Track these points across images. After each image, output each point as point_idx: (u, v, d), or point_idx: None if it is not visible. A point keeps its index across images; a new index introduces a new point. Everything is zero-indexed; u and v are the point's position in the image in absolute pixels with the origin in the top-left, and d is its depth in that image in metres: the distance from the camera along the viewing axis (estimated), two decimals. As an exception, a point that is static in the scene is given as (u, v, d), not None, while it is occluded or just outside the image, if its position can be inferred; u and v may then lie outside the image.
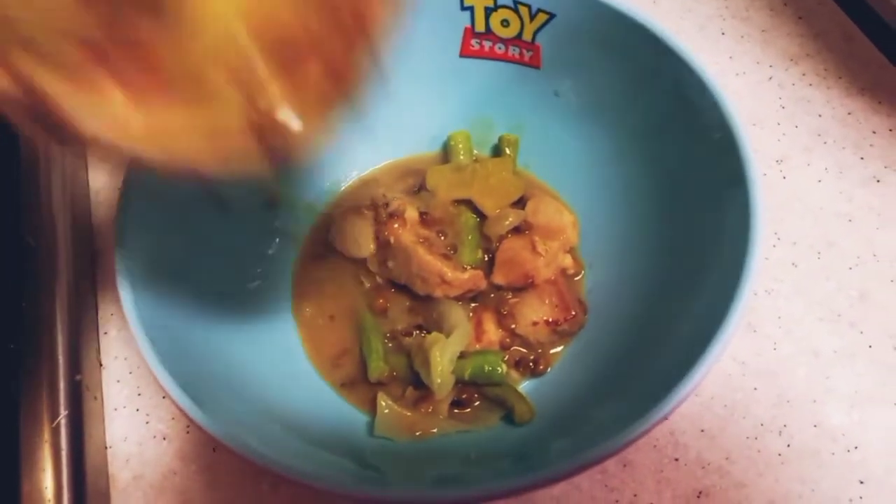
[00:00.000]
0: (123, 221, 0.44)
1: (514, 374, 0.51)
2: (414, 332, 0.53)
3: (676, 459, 0.52)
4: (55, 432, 0.51)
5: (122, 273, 0.43)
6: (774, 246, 0.60)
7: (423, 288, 0.52)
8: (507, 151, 0.59)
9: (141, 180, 0.45)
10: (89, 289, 0.61)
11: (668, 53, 0.48)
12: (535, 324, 0.51)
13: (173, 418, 0.55)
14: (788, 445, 0.52)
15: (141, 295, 0.43)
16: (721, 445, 0.52)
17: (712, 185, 0.46)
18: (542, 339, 0.51)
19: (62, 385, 0.53)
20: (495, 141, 0.61)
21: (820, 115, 0.67)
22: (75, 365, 0.55)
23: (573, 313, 0.51)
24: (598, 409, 0.45)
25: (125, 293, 0.42)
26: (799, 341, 0.56)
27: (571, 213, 0.56)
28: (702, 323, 0.41)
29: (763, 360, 0.56)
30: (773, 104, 0.68)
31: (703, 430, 0.53)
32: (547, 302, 0.51)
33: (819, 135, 0.66)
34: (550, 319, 0.51)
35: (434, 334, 0.49)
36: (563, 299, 0.51)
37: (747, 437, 0.53)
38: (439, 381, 0.47)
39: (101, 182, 0.68)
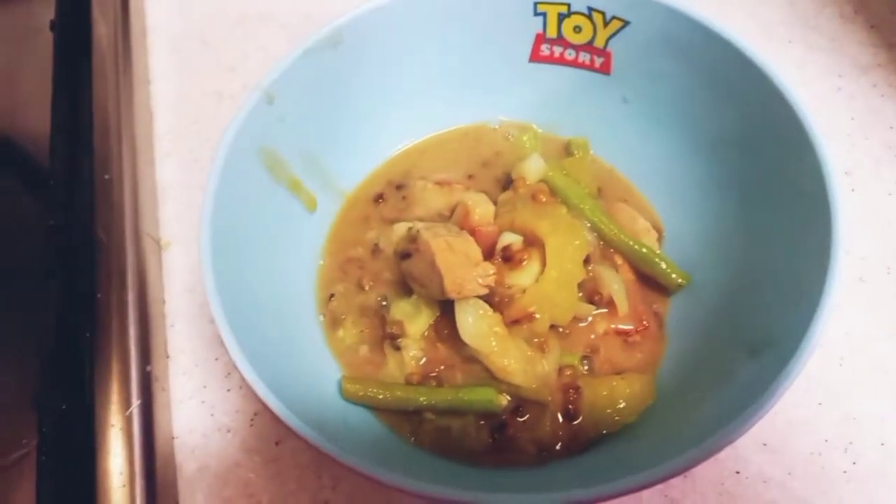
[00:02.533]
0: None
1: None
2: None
3: (738, 472, 0.52)
4: (128, 420, 0.52)
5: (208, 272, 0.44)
6: (842, 260, 0.59)
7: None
8: (577, 154, 0.59)
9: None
10: (157, 281, 0.63)
11: (749, 67, 0.47)
12: (605, 333, 0.50)
13: (237, 411, 0.57)
14: (854, 463, 0.51)
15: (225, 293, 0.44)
16: (783, 460, 0.52)
17: (794, 205, 0.45)
18: (614, 351, 0.51)
19: (134, 375, 0.55)
20: (560, 144, 0.61)
21: (892, 128, 0.66)
22: (145, 356, 0.56)
23: (645, 324, 0.51)
24: (669, 423, 0.45)
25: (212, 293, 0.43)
26: (867, 358, 0.55)
27: (646, 219, 0.55)
28: (779, 341, 0.40)
29: (828, 375, 0.55)
30: (842, 115, 0.67)
31: (765, 444, 0.52)
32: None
33: (890, 147, 0.65)
34: (620, 328, 0.50)
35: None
36: (636, 309, 0.51)
37: (811, 453, 0.52)
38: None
39: (168, 179, 0.70)
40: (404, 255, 0.50)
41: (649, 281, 0.54)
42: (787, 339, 0.40)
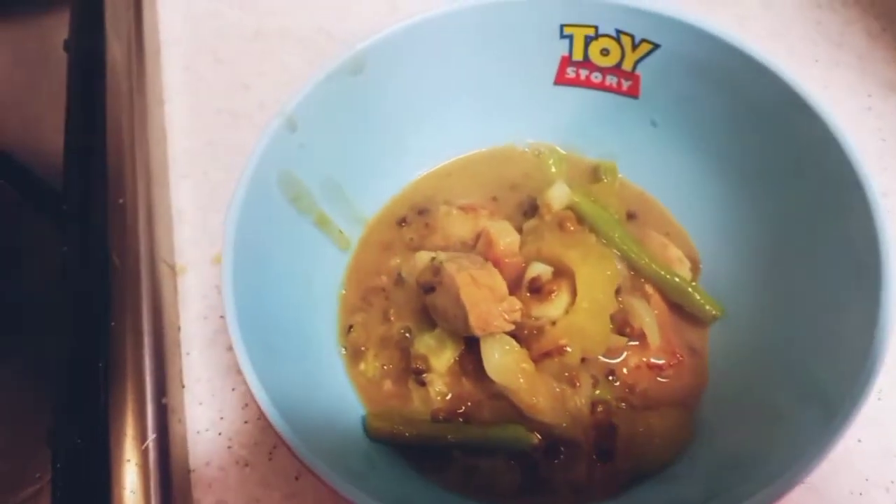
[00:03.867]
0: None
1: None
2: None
3: (776, 512, 0.50)
4: (144, 455, 0.51)
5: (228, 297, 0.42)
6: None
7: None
8: (605, 179, 0.58)
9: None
10: (172, 308, 0.62)
11: (787, 93, 0.46)
12: (637, 367, 0.49)
13: (255, 444, 0.55)
14: (897, 503, 0.49)
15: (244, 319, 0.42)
16: (824, 499, 0.50)
17: (840, 247, 0.44)
18: (648, 385, 0.49)
19: (150, 407, 0.53)
20: (585, 167, 0.60)
21: (925, 149, 0.64)
22: (161, 387, 0.55)
23: (679, 357, 0.49)
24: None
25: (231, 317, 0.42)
26: (906, 391, 0.53)
27: (679, 248, 0.54)
28: (827, 392, 0.39)
29: (867, 409, 0.52)
30: (872, 136, 0.66)
31: (804, 483, 0.50)
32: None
33: (924, 169, 0.63)
34: (653, 362, 0.49)
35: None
36: (669, 342, 0.49)
37: (851, 492, 0.50)
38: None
39: (183, 202, 0.68)
40: (428, 289, 0.49)
41: (684, 313, 0.52)
42: (837, 391, 0.38)
